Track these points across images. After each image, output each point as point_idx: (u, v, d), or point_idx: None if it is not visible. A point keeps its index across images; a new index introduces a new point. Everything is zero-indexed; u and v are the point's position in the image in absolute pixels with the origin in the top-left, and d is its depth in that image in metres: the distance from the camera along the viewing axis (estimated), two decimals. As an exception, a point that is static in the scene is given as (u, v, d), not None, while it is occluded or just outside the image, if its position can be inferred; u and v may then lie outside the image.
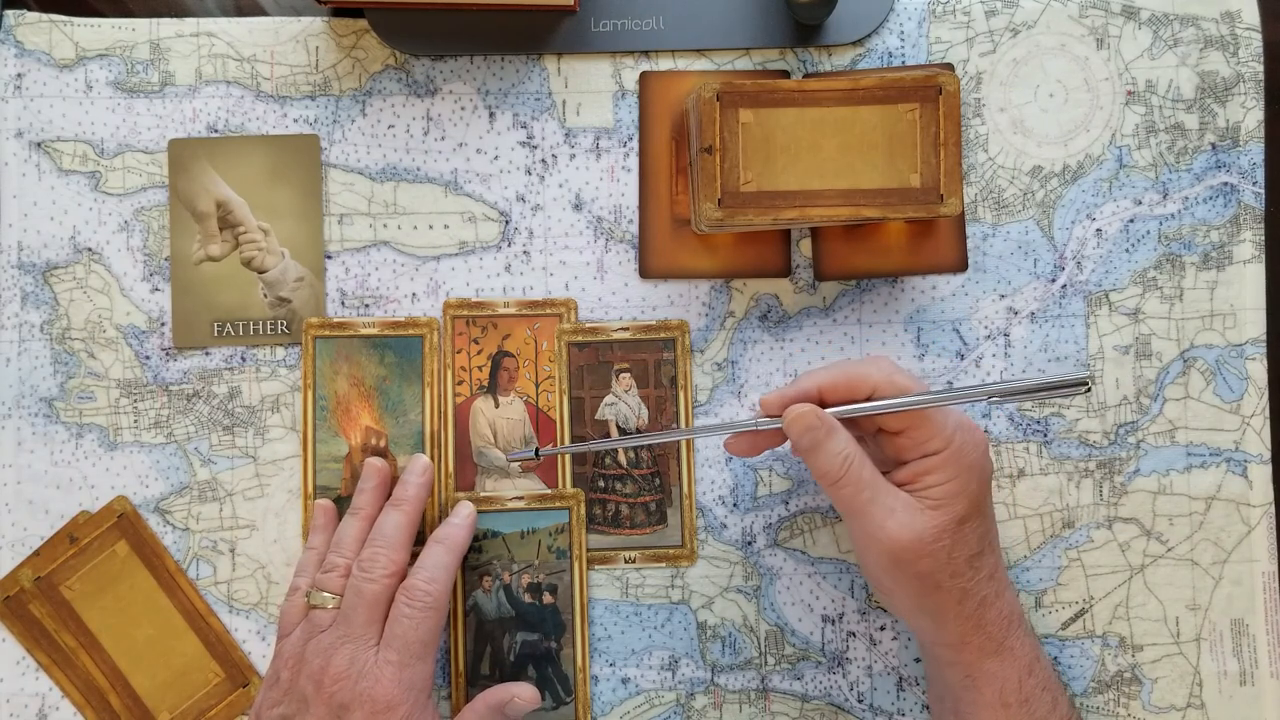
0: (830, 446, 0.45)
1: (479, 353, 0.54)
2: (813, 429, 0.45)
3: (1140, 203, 0.55)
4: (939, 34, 0.55)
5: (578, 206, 0.55)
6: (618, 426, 0.54)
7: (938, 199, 0.49)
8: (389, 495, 0.52)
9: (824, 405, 0.46)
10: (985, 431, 0.54)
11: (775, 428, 0.47)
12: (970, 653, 0.46)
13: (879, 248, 0.54)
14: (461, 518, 0.51)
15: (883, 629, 0.54)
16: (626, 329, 0.54)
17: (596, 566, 0.54)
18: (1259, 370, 0.55)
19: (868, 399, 0.46)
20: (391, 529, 0.49)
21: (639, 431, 0.54)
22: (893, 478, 0.46)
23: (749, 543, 0.54)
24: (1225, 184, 0.55)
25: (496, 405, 0.54)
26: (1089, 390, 0.44)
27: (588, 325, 0.54)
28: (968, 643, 0.46)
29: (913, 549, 0.44)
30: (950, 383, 0.55)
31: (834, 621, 0.54)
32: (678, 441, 0.54)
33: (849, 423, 0.46)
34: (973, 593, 0.45)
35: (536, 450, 0.50)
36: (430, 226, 0.55)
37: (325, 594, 0.49)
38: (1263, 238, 0.55)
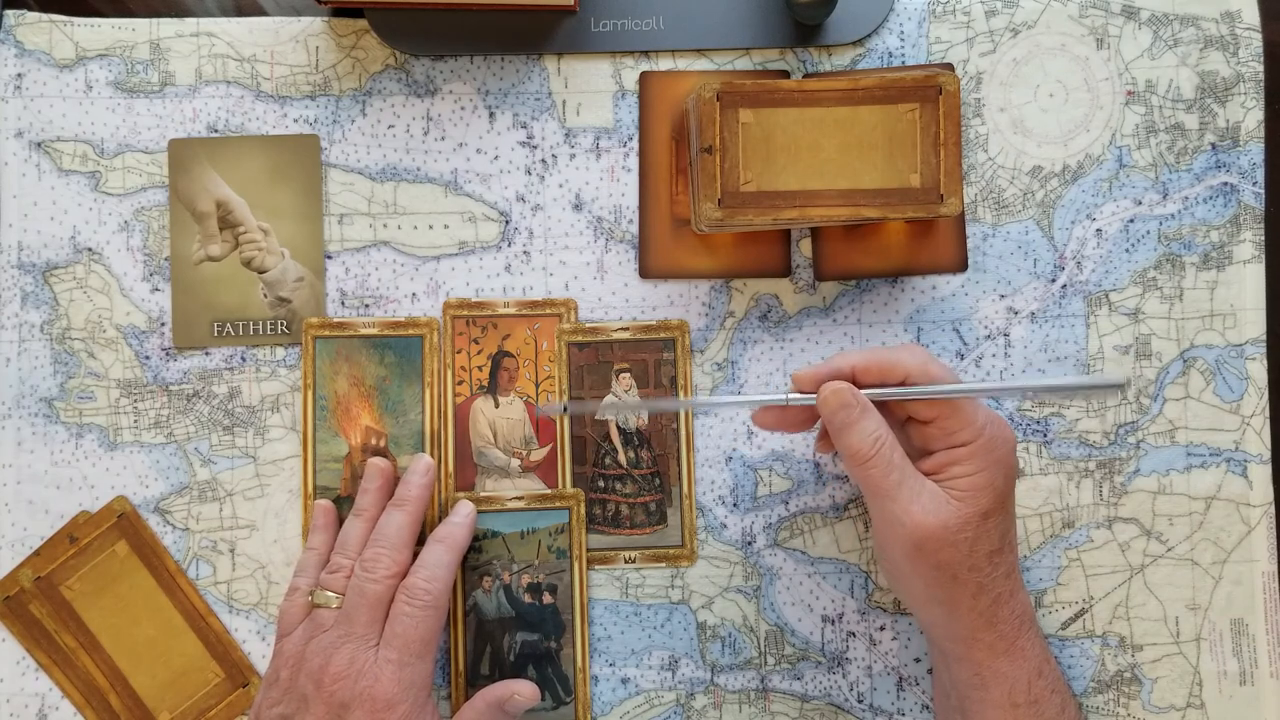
0: (863, 426, 0.45)
1: (479, 353, 0.54)
2: (847, 407, 0.45)
3: (1140, 203, 0.55)
4: (939, 34, 0.55)
5: (578, 206, 0.55)
6: (618, 426, 0.54)
7: (938, 199, 0.49)
8: (392, 495, 0.52)
9: (857, 386, 0.46)
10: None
11: (805, 404, 0.47)
12: (980, 650, 0.46)
13: (879, 248, 0.54)
14: (462, 517, 0.51)
15: (883, 629, 0.54)
16: (626, 329, 0.54)
17: (596, 566, 0.54)
18: (1259, 370, 0.55)
19: (900, 385, 0.46)
20: (394, 529, 0.49)
21: (640, 431, 0.54)
22: (920, 466, 0.46)
23: (749, 543, 0.54)
24: (1225, 184, 0.55)
25: (496, 405, 0.54)
26: (1124, 392, 0.44)
27: (588, 325, 0.54)
28: (978, 639, 0.46)
29: (936, 537, 0.44)
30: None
31: (834, 621, 0.54)
32: (680, 440, 0.54)
33: (880, 408, 0.46)
34: (988, 588, 0.45)
35: (565, 406, 0.49)
36: (430, 226, 0.55)
37: (329, 593, 0.49)
38: (1263, 238, 0.55)
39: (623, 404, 0.49)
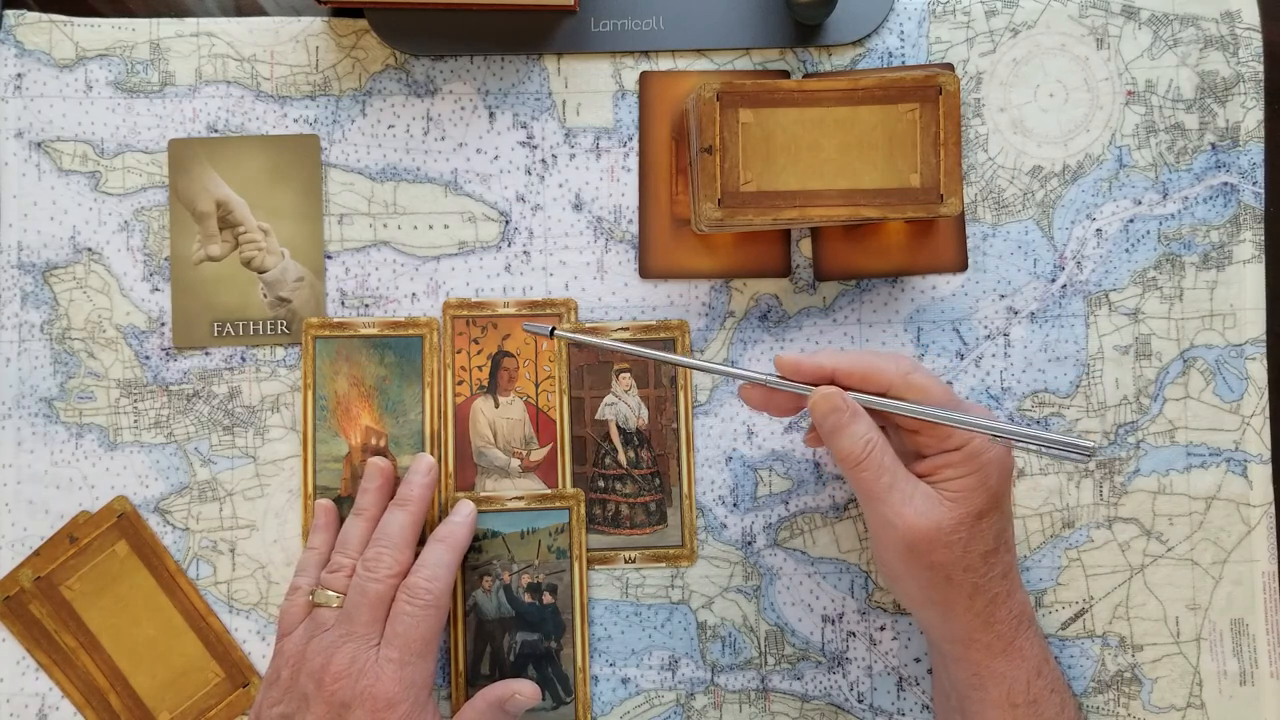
0: (853, 430, 0.45)
1: (479, 353, 0.54)
2: (837, 411, 0.45)
3: (1140, 203, 0.55)
4: (939, 34, 0.55)
5: (578, 206, 0.55)
6: (618, 426, 0.54)
7: (938, 199, 0.49)
8: (392, 495, 0.52)
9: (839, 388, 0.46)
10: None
11: (788, 391, 0.47)
12: (978, 651, 0.46)
13: (879, 248, 0.54)
14: (462, 516, 0.51)
15: (883, 629, 0.54)
16: (626, 329, 0.54)
17: (596, 566, 0.54)
18: (1259, 370, 0.55)
19: (881, 395, 0.46)
20: (396, 529, 0.49)
21: (640, 431, 0.54)
22: (913, 468, 0.46)
23: (749, 543, 0.54)
24: (1225, 184, 0.55)
25: (496, 405, 0.54)
26: (1090, 458, 0.44)
27: (588, 325, 0.54)
28: (976, 640, 0.46)
29: (929, 538, 0.44)
30: (950, 382, 0.55)
31: (834, 621, 0.54)
32: (680, 440, 0.54)
33: (870, 411, 0.46)
34: (984, 589, 0.45)
35: (552, 330, 0.48)
36: (430, 226, 0.55)
37: (330, 593, 0.49)
38: (1263, 238, 0.55)
39: (613, 344, 0.48)
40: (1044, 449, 0.45)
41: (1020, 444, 0.45)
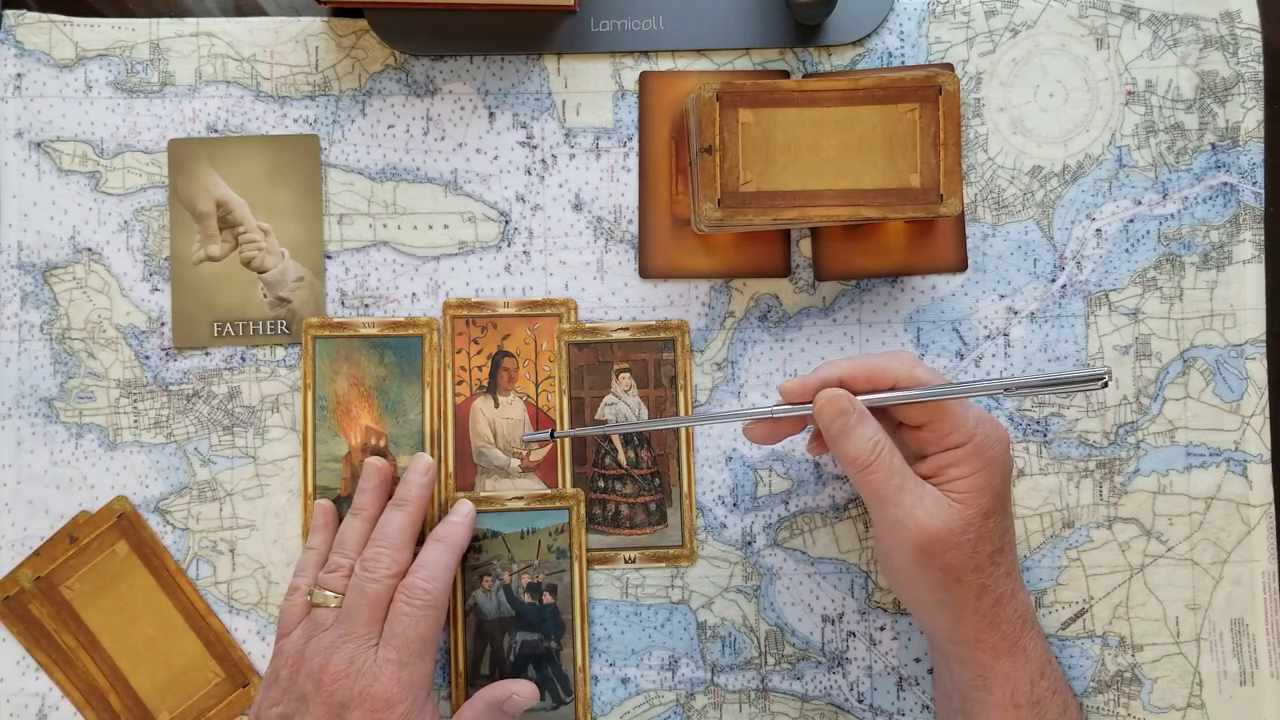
0: (861, 432, 0.45)
1: (479, 353, 0.54)
2: (844, 413, 0.45)
3: (1140, 203, 0.55)
4: (939, 34, 0.55)
5: (578, 206, 0.55)
6: (618, 426, 0.54)
7: (937, 199, 0.49)
8: (390, 495, 0.52)
9: None
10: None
11: (794, 415, 0.47)
12: (983, 652, 0.46)
13: (879, 248, 0.54)
14: (461, 516, 0.51)
15: (883, 629, 0.54)
16: (626, 329, 0.54)
17: (596, 566, 0.54)
18: (1259, 370, 0.55)
19: (889, 391, 0.46)
20: (394, 529, 0.49)
21: (639, 431, 0.54)
22: (917, 470, 0.46)
23: (749, 543, 0.54)
24: (1225, 184, 0.55)
25: (496, 405, 0.54)
26: (1105, 385, 0.44)
27: (588, 325, 0.54)
28: (982, 641, 0.46)
29: (940, 540, 0.44)
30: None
31: (834, 621, 0.54)
32: (680, 440, 0.54)
33: (874, 413, 0.46)
34: (991, 589, 0.45)
35: (552, 432, 0.51)
36: (430, 226, 0.55)
37: (328, 593, 0.49)
38: (1262, 238, 0.55)
39: (613, 426, 0.50)
40: (1058, 390, 0.45)
41: (1034, 391, 0.45)
